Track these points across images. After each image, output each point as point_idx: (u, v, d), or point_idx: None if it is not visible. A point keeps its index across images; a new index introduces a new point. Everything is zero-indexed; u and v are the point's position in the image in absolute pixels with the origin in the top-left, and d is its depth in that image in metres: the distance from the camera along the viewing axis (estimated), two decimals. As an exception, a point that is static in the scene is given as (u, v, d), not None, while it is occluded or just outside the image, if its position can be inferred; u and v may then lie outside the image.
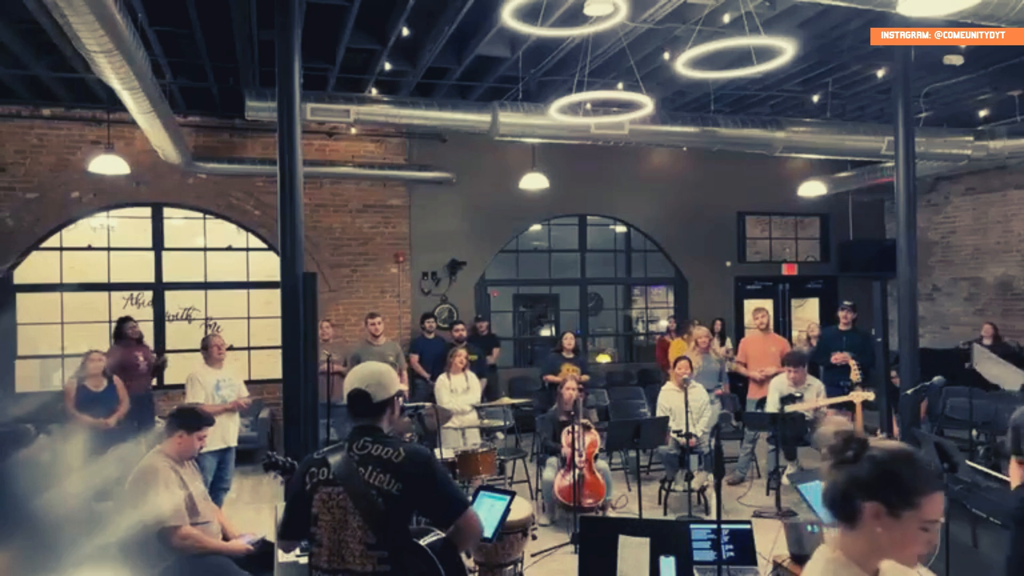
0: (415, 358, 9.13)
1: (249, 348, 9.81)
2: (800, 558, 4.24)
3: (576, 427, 6.23)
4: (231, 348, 9.60)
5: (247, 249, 9.86)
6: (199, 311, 9.69)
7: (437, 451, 5.93)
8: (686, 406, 6.75)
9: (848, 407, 6.90)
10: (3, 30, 6.47)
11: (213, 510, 4.24)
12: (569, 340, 8.67)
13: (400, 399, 2.75)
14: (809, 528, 4.31)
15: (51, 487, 3.95)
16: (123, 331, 7.66)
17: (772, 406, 7.12)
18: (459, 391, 7.33)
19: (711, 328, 9.43)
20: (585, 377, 8.58)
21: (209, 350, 6.19)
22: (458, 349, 7.75)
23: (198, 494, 4.06)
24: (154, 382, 7.97)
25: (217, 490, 5.80)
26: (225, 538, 4.13)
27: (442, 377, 7.44)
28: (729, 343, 10.16)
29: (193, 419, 4.17)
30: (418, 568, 2.49)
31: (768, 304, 12.40)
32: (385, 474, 2.50)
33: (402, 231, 10.36)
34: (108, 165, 7.81)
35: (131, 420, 7.11)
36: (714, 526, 4.09)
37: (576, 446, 6.19)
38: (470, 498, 3.92)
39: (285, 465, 3.49)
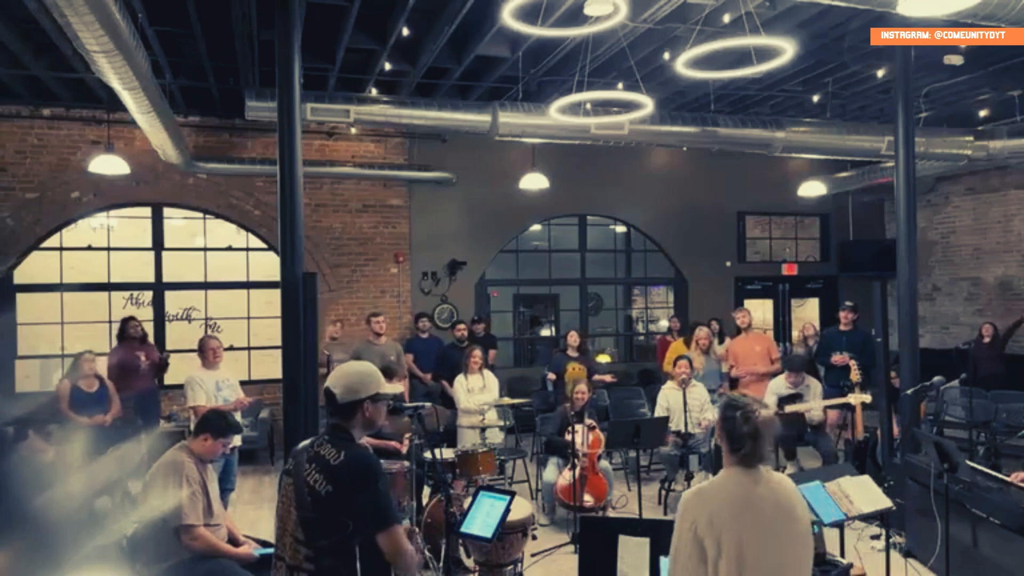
0: (409, 358, 9.11)
1: (249, 348, 9.82)
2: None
3: (580, 427, 6.23)
4: (231, 348, 9.65)
5: (247, 249, 9.86)
6: (199, 311, 9.69)
7: (437, 451, 5.91)
8: (685, 406, 6.75)
9: (847, 407, 6.91)
10: (3, 30, 6.46)
11: (223, 514, 4.25)
12: (573, 338, 8.37)
13: (376, 404, 2.65)
14: (809, 528, 4.30)
15: (38, 489, 3.93)
16: (126, 331, 7.66)
17: (770, 407, 7.11)
18: (476, 390, 7.33)
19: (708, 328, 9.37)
20: (596, 377, 8.52)
21: (205, 352, 6.16)
22: (474, 349, 7.70)
23: (215, 496, 4.09)
24: (156, 382, 7.94)
25: (223, 491, 5.77)
26: (232, 542, 4.14)
27: (460, 377, 7.46)
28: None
29: (222, 425, 4.20)
30: (339, 574, 2.47)
31: (768, 304, 12.41)
32: (320, 474, 2.50)
33: (402, 231, 10.36)
34: (108, 165, 7.80)
35: (135, 419, 7.10)
36: (714, 526, 4.08)
37: (579, 445, 6.20)
38: (470, 498, 3.92)
39: None
